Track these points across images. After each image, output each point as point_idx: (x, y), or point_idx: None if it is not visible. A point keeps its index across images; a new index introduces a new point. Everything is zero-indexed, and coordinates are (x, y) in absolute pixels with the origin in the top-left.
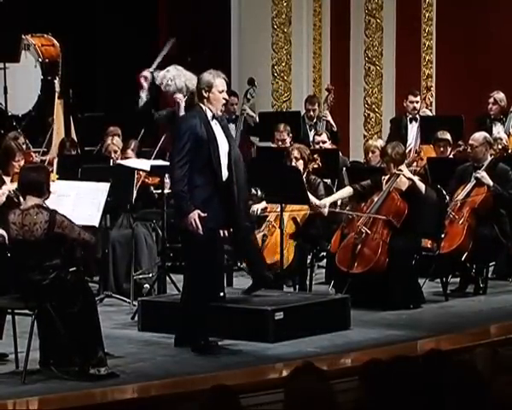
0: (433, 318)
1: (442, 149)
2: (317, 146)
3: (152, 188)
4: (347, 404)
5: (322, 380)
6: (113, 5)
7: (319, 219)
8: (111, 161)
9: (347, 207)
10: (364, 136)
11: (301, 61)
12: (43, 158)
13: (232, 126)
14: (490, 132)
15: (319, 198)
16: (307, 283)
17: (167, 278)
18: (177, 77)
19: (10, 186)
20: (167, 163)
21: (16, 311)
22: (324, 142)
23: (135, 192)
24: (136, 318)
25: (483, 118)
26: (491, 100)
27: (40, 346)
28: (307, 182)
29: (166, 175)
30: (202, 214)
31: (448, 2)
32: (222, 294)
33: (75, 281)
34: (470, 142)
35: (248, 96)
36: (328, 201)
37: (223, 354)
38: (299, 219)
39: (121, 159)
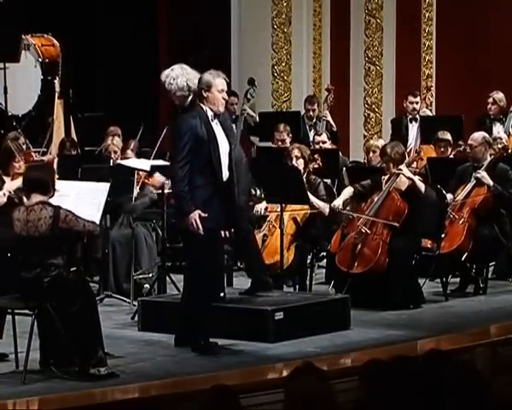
0: (433, 318)
1: (443, 149)
2: (317, 146)
3: (152, 188)
4: (347, 404)
5: (322, 380)
6: (113, 5)
7: (319, 219)
8: (111, 161)
9: (347, 207)
10: (364, 136)
11: (301, 61)
12: (43, 158)
13: (232, 126)
14: (490, 132)
15: (320, 198)
16: (307, 283)
17: (167, 278)
18: (179, 76)
19: (11, 187)
20: (167, 163)
21: (16, 311)
22: (324, 142)
23: (135, 192)
24: (136, 318)
25: (483, 118)
26: (491, 100)
27: (40, 346)
28: (307, 182)
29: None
30: (203, 214)
31: (448, 2)
32: (222, 294)
33: (76, 280)
34: (469, 142)
35: (248, 96)
36: (339, 202)
37: (223, 354)
38: (299, 219)
39: (121, 159)
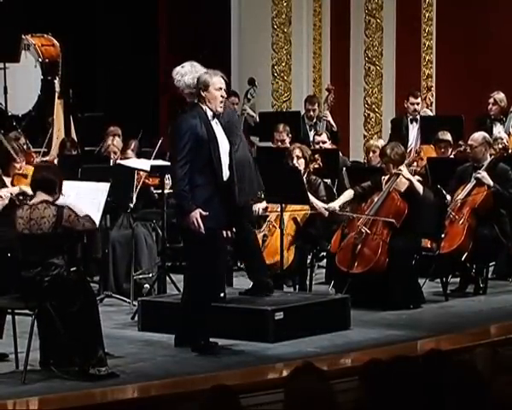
0: (433, 318)
1: (443, 149)
2: (317, 146)
3: (152, 188)
4: (347, 404)
5: (322, 380)
6: (113, 5)
7: (319, 219)
8: (111, 161)
9: (347, 208)
10: (364, 136)
11: (301, 61)
12: (44, 158)
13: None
14: (490, 133)
15: (320, 199)
16: (307, 283)
17: (167, 278)
18: (188, 73)
19: (13, 191)
20: (167, 163)
21: (16, 311)
22: (324, 142)
23: (135, 194)
24: (136, 318)
25: (483, 118)
26: (491, 100)
27: (40, 346)
28: (308, 182)
29: (167, 176)
30: (204, 213)
31: (448, 2)
32: (222, 294)
33: (76, 280)
34: (469, 142)
35: (249, 96)
36: (336, 204)
37: (223, 354)
38: (299, 219)
39: (121, 159)
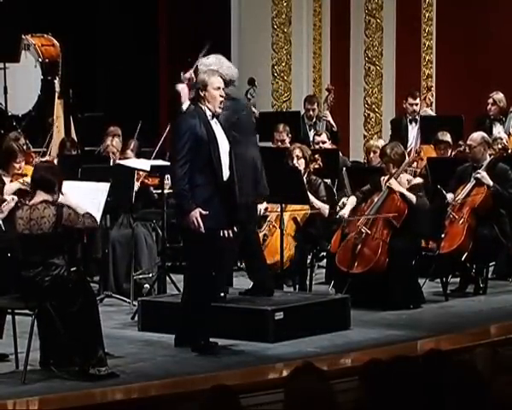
0: (433, 318)
1: (443, 150)
2: (317, 146)
3: (152, 188)
4: (347, 404)
5: (322, 380)
6: (113, 5)
7: (319, 219)
8: (111, 161)
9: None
10: (364, 136)
11: (301, 61)
12: (44, 158)
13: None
14: (490, 133)
15: (320, 199)
16: (307, 283)
17: (167, 278)
18: (212, 65)
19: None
20: (167, 163)
21: (16, 311)
22: (324, 142)
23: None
24: (136, 318)
25: (483, 118)
26: (491, 100)
27: (40, 346)
28: (308, 182)
29: (167, 176)
30: (203, 212)
31: (448, 2)
32: (222, 294)
33: (76, 280)
34: (468, 142)
35: (249, 96)
36: (346, 211)
37: (223, 354)
38: (299, 219)
39: (121, 159)
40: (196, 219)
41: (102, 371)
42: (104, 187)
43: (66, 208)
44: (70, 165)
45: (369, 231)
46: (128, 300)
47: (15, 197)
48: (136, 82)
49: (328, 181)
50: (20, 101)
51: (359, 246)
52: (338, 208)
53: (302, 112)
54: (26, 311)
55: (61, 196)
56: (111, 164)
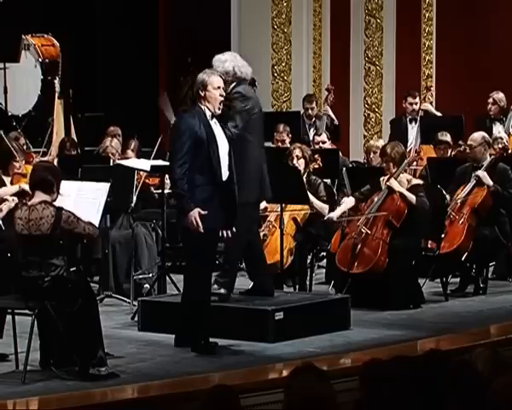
0: (433, 318)
1: (442, 151)
2: (317, 146)
3: (152, 188)
4: (347, 404)
5: (322, 380)
6: (112, 5)
7: (319, 219)
8: (111, 160)
9: (347, 212)
10: (364, 136)
11: (301, 61)
12: (43, 158)
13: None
14: (490, 133)
15: (320, 199)
16: (307, 283)
17: (167, 278)
18: (228, 61)
19: (9, 191)
20: (167, 163)
21: (16, 311)
22: (324, 142)
23: (135, 194)
24: (136, 318)
25: (483, 118)
26: (491, 100)
27: (40, 346)
28: (308, 182)
29: (167, 175)
30: (202, 212)
31: (448, 2)
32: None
33: (76, 280)
34: (469, 142)
35: None
36: (335, 214)
37: (223, 354)
38: (299, 219)
39: (121, 159)
40: (195, 219)
41: (102, 372)
42: (104, 187)
43: (66, 211)
44: (70, 165)
45: (369, 231)
46: (128, 300)
47: (16, 198)
48: (136, 82)
49: (328, 181)
50: (20, 101)
51: (359, 246)
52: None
53: (302, 112)
54: (26, 311)
55: (60, 196)
56: (111, 164)
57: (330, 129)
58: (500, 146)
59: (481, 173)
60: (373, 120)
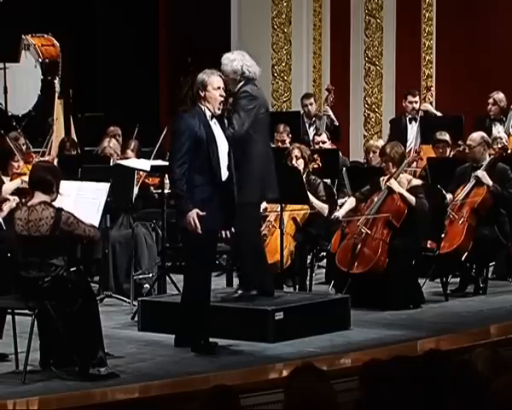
0: (433, 318)
1: (441, 150)
2: (317, 146)
3: (152, 188)
4: (347, 404)
5: (322, 380)
6: (113, 5)
7: (319, 219)
8: (111, 161)
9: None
10: (364, 136)
11: (301, 61)
12: (43, 158)
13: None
14: (490, 133)
15: (319, 199)
16: (307, 283)
17: (167, 278)
18: (237, 59)
19: (9, 188)
20: (167, 163)
21: (16, 311)
22: (324, 142)
23: (135, 193)
24: (136, 318)
25: (482, 118)
26: (491, 100)
27: (40, 346)
28: (307, 182)
29: (167, 175)
30: (201, 213)
31: (448, 2)
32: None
33: (76, 280)
34: (468, 142)
35: None
36: (341, 213)
37: (223, 354)
38: (299, 219)
39: (121, 159)
40: (193, 219)
41: (102, 371)
42: (104, 187)
43: (66, 212)
44: (70, 165)
45: (369, 231)
46: (128, 300)
47: (17, 198)
48: (136, 82)
49: (328, 181)
50: (20, 101)
51: (359, 246)
52: (338, 208)
53: (302, 112)
54: (26, 311)
55: (60, 196)
56: (111, 164)
57: (330, 129)
58: (499, 146)
59: (481, 173)
60: (373, 120)
